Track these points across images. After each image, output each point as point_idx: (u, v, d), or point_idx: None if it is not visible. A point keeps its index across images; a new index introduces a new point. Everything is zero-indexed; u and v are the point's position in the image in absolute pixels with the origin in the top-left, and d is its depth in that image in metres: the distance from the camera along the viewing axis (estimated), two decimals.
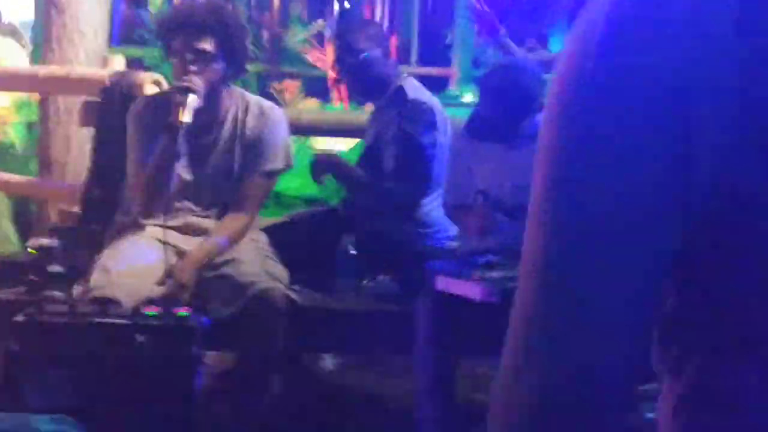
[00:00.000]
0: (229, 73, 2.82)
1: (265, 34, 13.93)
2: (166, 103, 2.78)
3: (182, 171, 2.84)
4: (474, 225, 2.82)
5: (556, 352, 0.64)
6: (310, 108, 7.92)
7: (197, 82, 2.67)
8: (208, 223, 2.89)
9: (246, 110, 2.88)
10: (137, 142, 2.87)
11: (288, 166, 2.96)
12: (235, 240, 2.82)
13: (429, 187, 3.06)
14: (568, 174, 0.65)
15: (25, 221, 4.88)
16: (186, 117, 2.62)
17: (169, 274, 2.70)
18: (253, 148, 2.86)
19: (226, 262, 2.76)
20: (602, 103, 0.62)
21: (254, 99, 2.94)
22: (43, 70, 4.14)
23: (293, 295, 2.67)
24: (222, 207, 2.90)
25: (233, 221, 2.85)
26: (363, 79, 3.13)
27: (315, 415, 3.03)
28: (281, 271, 2.77)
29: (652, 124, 0.61)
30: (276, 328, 2.60)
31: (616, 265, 0.63)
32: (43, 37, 4.34)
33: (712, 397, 0.66)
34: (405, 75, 3.20)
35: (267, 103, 2.97)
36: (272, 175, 2.94)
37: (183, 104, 2.62)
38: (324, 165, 3.14)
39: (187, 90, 2.65)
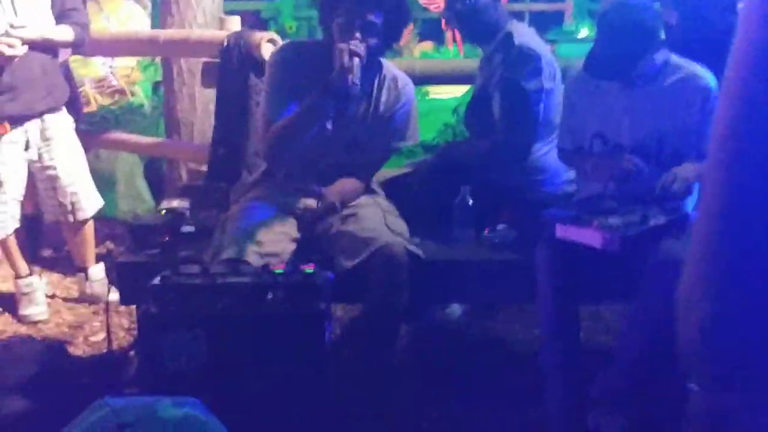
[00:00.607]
0: (384, 46, 2.85)
1: None
2: (315, 58, 2.82)
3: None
4: (593, 169, 2.76)
5: None
6: (425, 53, 7.88)
7: (363, 49, 2.71)
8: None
9: (382, 83, 2.90)
10: (278, 91, 2.86)
11: (414, 142, 3.02)
12: (353, 198, 2.89)
13: (538, 133, 3.03)
14: None
15: (157, 179, 5.10)
16: (357, 79, 2.67)
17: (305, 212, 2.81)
18: (385, 123, 2.89)
19: (348, 218, 2.82)
20: None
21: (390, 72, 2.94)
22: (163, 34, 4.26)
23: (414, 249, 2.71)
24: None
25: (350, 183, 2.92)
26: (472, 24, 3.14)
27: (443, 363, 3.09)
28: (401, 226, 2.81)
29: None
30: (398, 281, 2.64)
31: None
32: (161, 0, 4.46)
33: None
34: (514, 21, 3.16)
35: (402, 78, 2.97)
36: (397, 150, 3.01)
37: (351, 68, 2.66)
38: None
39: (356, 54, 2.68)
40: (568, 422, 2.52)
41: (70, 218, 3.67)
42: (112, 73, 6.07)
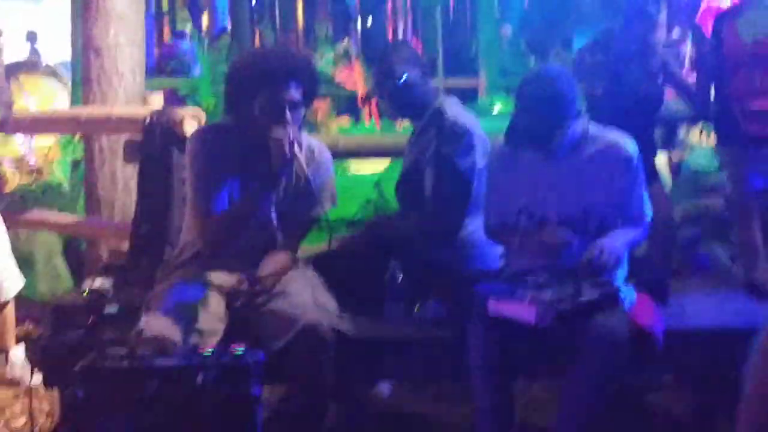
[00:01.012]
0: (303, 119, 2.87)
1: None
2: (235, 141, 2.81)
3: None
4: (521, 244, 2.81)
5: None
6: (342, 128, 7.99)
7: (298, 133, 2.75)
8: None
9: (299, 149, 2.83)
10: (205, 179, 2.82)
11: (333, 205, 3.02)
12: (282, 273, 2.85)
13: (470, 209, 3.07)
14: None
15: (77, 259, 4.97)
16: (299, 170, 2.72)
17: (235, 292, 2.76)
18: (306, 192, 2.86)
19: (276, 296, 2.79)
20: None
21: (306, 141, 2.95)
22: (84, 112, 4.23)
23: (341, 327, 2.69)
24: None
25: (281, 258, 2.89)
26: (403, 101, 3.16)
27: None
28: (329, 302, 2.80)
29: None
30: (324, 359, 2.62)
31: None
32: (83, 78, 4.42)
33: None
34: (444, 96, 3.22)
35: (318, 145, 2.99)
36: (319, 216, 2.99)
37: (295, 157, 2.70)
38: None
39: (298, 143, 2.72)
40: None
41: None
42: (30, 151, 5.95)
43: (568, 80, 2.72)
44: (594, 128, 2.83)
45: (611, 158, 2.76)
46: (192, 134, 3.11)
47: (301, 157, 2.76)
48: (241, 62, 2.98)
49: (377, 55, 3.39)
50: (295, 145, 2.70)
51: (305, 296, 2.76)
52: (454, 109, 3.15)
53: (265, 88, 2.74)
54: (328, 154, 3.02)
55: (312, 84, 2.83)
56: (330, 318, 2.70)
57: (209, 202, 2.81)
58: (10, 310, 3.66)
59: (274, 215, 2.87)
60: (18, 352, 3.72)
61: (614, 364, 2.50)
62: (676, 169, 5.58)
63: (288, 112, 2.73)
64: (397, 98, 3.16)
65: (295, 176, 2.86)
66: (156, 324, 2.61)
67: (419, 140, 3.19)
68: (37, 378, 2.89)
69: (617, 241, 2.66)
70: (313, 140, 3.03)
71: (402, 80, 3.10)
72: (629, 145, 2.78)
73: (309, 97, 2.84)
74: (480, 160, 3.05)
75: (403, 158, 3.36)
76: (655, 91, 3.95)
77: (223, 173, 2.81)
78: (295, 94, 2.76)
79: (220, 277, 2.83)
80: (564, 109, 2.69)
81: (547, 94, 2.67)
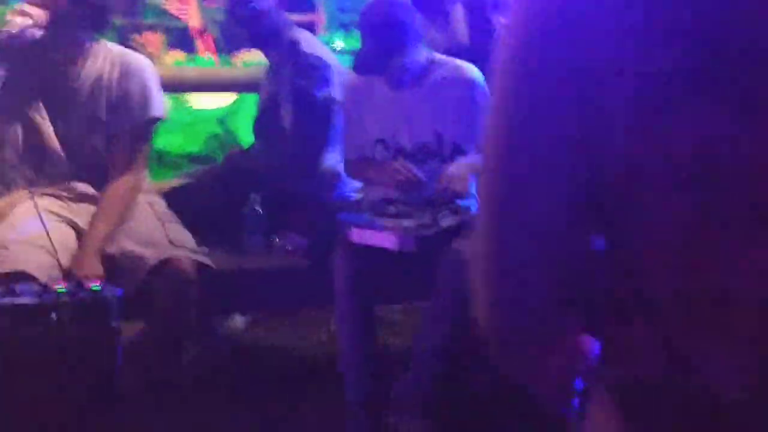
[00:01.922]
0: (86, 21, 2.67)
1: None
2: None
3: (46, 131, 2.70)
4: (379, 177, 2.84)
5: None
6: (178, 62, 7.69)
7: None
8: (89, 188, 2.75)
9: (111, 64, 2.72)
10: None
11: (162, 117, 2.83)
12: (126, 205, 2.69)
13: (329, 142, 3.07)
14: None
15: None
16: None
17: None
18: (122, 101, 2.70)
19: (125, 234, 2.66)
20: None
21: (118, 51, 2.79)
22: None
23: (203, 259, 2.62)
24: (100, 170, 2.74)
25: (119, 186, 2.69)
26: (256, 31, 3.12)
27: (236, 376, 3.04)
28: (184, 235, 2.70)
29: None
30: (186, 295, 2.54)
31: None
32: None
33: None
34: (296, 28, 3.18)
35: (132, 55, 2.83)
36: (148, 126, 2.79)
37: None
38: None
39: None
40: (369, 426, 2.55)
41: None
42: None
43: (406, 7, 2.80)
44: (439, 56, 2.89)
45: (456, 82, 2.85)
46: None
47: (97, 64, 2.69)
48: None
49: None
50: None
51: (156, 232, 2.65)
52: (309, 42, 3.15)
53: None
54: (144, 61, 2.84)
55: None
56: (188, 253, 2.61)
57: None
58: None
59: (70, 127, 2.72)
60: None
61: (468, 281, 2.58)
62: None
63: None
64: (251, 26, 3.12)
65: (103, 87, 2.71)
66: (3, 258, 2.44)
67: (276, 74, 3.17)
68: None
69: (463, 167, 2.74)
70: (131, 53, 2.85)
71: (255, 7, 3.04)
72: (473, 70, 2.86)
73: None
74: (337, 93, 3.05)
75: (260, 92, 3.30)
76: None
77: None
78: None
79: (55, 207, 2.68)
80: (403, 35, 2.77)
81: (386, 20, 2.75)
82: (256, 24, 3.10)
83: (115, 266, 2.59)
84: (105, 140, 2.73)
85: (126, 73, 2.72)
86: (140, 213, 2.72)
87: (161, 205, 2.83)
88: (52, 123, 2.71)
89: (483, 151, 0.84)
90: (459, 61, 2.90)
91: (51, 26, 2.63)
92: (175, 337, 2.63)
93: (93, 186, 2.74)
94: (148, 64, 2.84)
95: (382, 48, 2.75)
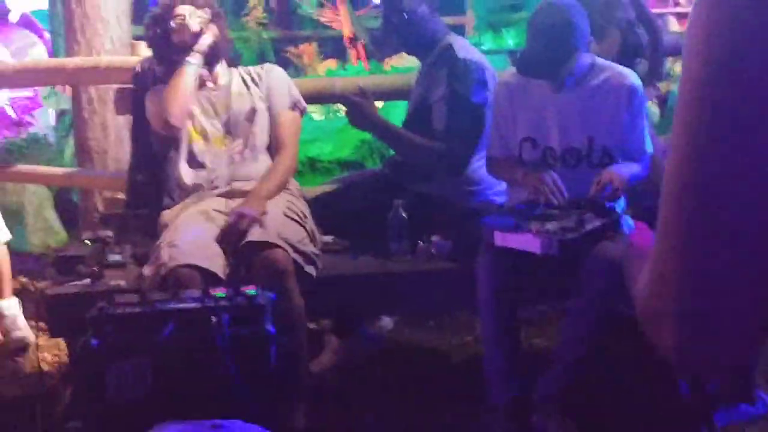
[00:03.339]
0: (221, 51, 3.09)
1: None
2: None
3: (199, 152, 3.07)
4: (523, 179, 2.82)
5: None
6: (330, 71, 7.91)
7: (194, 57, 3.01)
8: (249, 185, 2.96)
9: (250, 77, 3.15)
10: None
11: (304, 108, 3.21)
12: (287, 172, 3.03)
13: (479, 145, 3.07)
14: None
15: (68, 210, 4.95)
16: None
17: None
18: (267, 98, 3.11)
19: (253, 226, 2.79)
20: None
21: (252, 69, 3.20)
22: (71, 62, 4.15)
23: (299, 260, 2.70)
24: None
25: (283, 158, 3.05)
26: (410, 37, 3.17)
27: (383, 375, 3.11)
28: (296, 234, 2.78)
29: None
30: (286, 290, 2.61)
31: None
32: (66, 27, 4.34)
33: None
34: (452, 33, 3.21)
35: (266, 66, 3.24)
36: (295, 108, 3.14)
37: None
38: (363, 121, 3.12)
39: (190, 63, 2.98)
40: (511, 426, 2.56)
41: None
42: (9, 104, 5.84)
43: (578, 11, 2.74)
44: (600, 60, 2.84)
45: (616, 89, 2.79)
46: None
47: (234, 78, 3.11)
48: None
49: None
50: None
51: (271, 227, 2.74)
52: (464, 46, 3.15)
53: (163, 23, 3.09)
54: (277, 68, 3.23)
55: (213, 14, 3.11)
56: (290, 250, 2.69)
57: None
58: (4, 262, 3.59)
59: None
60: (9, 305, 3.63)
61: (615, 286, 2.53)
62: (662, 101, 5.57)
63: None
64: (405, 33, 3.16)
65: (246, 94, 3.11)
66: (175, 255, 2.62)
67: (428, 77, 3.18)
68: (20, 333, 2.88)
69: (625, 170, 2.70)
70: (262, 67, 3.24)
71: (410, 14, 3.08)
72: (633, 77, 2.81)
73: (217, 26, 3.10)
74: (491, 96, 3.04)
75: (410, 95, 3.35)
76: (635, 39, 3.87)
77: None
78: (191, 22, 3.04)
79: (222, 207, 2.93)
80: (574, 40, 2.73)
81: (558, 23, 2.70)
82: (411, 30, 3.14)
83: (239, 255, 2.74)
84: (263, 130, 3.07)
85: (265, 79, 3.14)
86: (271, 207, 2.85)
87: (295, 204, 2.95)
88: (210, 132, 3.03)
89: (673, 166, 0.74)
90: (621, 68, 2.84)
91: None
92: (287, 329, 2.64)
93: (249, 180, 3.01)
94: (279, 69, 3.25)
95: (552, 52, 2.72)
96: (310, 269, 2.75)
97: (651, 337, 0.76)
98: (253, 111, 3.07)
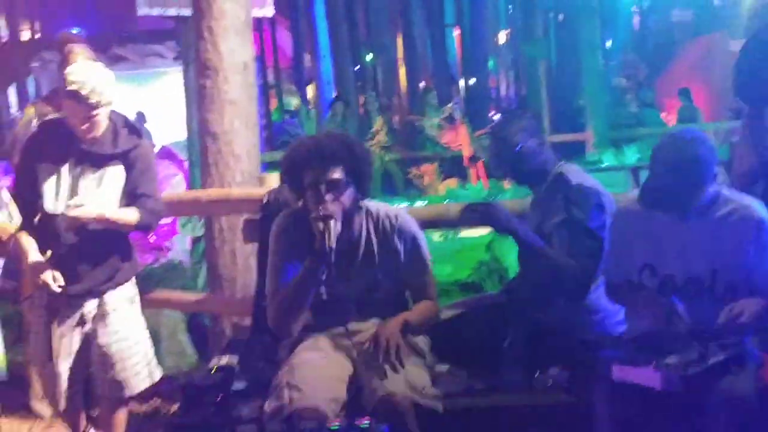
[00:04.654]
0: (358, 196, 2.99)
1: (396, 119, 14.26)
2: (304, 225, 2.95)
3: (323, 291, 3.01)
4: (644, 304, 2.77)
5: None
6: (450, 190, 8.06)
7: (333, 208, 2.86)
8: (368, 327, 3.02)
9: (371, 225, 3.05)
10: (279, 261, 3.03)
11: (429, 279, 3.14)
12: (430, 313, 3.05)
13: (597, 274, 3.04)
14: None
15: (199, 334, 5.13)
16: (332, 242, 2.82)
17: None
18: (390, 258, 3.03)
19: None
20: None
21: (383, 211, 3.08)
22: (205, 194, 4.42)
23: (428, 402, 2.73)
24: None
25: (424, 304, 3.05)
26: (521, 169, 3.20)
27: None
28: (418, 377, 2.83)
29: None
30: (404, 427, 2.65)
31: None
32: (201, 162, 4.63)
33: None
34: (563, 162, 3.22)
35: (394, 212, 3.11)
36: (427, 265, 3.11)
37: (327, 231, 2.82)
38: (481, 212, 3.10)
39: (327, 218, 2.84)
40: None
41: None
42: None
43: (707, 144, 2.71)
44: (726, 190, 2.81)
45: (743, 221, 2.72)
46: (276, 219, 3.22)
47: (362, 229, 3.00)
48: (290, 150, 3.11)
49: (495, 125, 3.44)
50: (330, 222, 2.83)
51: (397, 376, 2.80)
52: (576, 173, 3.16)
53: (308, 172, 2.91)
54: (407, 219, 3.09)
55: (357, 163, 2.95)
56: (413, 392, 2.74)
57: (275, 282, 3.01)
58: (122, 417, 3.58)
59: (350, 286, 3.01)
60: None
61: (743, 425, 2.42)
62: None
63: (327, 192, 2.87)
64: (515, 166, 3.20)
65: (364, 246, 3.02)
66: (297, 396, 2.71)
67: (542, 206, 3.19)
68: None
69: (756, 304, 2.61)
70: (392, 209, 3.14)
71: (518, 149, 3.13)
72: (761, 209, 2.74)
73: (358, 176, 2.96)
74: (609, 220, 3.03)
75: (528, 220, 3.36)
76: None
77: (289, 254, 3.00)
78: (335, 174, 2.88)
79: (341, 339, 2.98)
80: (703, 173, 2.69)
81: (687, 157, 2.67)
82: (521, 164, 3.17)
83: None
84: (377, 292, 3.04)
85: (390, 232, 3.05)
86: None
87: (421, 341, 3.01)
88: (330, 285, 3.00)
89: None
90: (747, 199, 2.79)
91: None
92: None
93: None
94: (410, 222, 3.10)
95: (679, 187, 2.69)
96: (434, 405, 2.78)
97: None
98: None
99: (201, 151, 4.62)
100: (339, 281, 2.96)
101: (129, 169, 3.37)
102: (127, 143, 3.38)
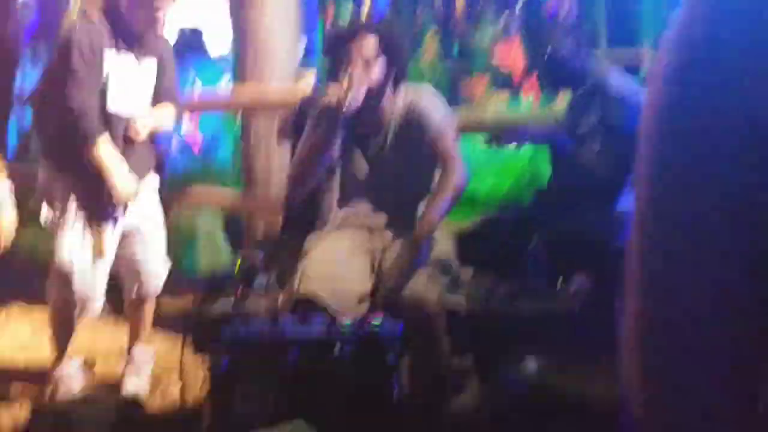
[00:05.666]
0: (392, 74, 2.89)
1: (453, 33, 13.96)
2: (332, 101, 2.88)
3: (356, 171, 2.96)
4: None
5: None
6: (500, 103, 7.87)
7: (359, 72, 2.79)
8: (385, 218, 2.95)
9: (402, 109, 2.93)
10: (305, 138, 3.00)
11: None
12: (457, 194, 2.83)
13: (628, 183, 2.96)
14: None
15: (237, 233, 5.17)
16: (349, 105, 2.74)
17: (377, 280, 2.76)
18: (422, 126, 2.89)
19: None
20: None
21: (410, 95, 2.96)
22: (242, 91, 4.37)
23: (452, 304, 2.66)
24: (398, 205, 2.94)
25: (447, 176, 2.83)
26: (556, 74, 3.21)
27: (519, 420, 3.00)
28: (436, 278, 2.74)
29: None
30: (433, 336, 2.60)
31: None
32: (239, 59, 4.56)
33: None
34: (607, 66, 3.16)
35: (418, 96, 2.97)
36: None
37: (350, 92, 2.75)
38: None
39: (350, 83, 2.78)
40: None
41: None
42: (194, 128, 6.23)
43: None
44: None
45: None
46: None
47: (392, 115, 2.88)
48: (328, 32, 3.14)
49: (535, 31, 3.42)
50: (355, 90, 2.74)
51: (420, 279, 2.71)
52: (617, 78, 3.11)
53: (341, 48, 2.85)
54: (429, 91, 2.99)
55: (390, 37, 2.88)
56: (437, 294, 2.66)
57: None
58: (150, 308, 3.65)
59: (376, 169, 2.93)
60: (142, 350, 3.66)
61: None
62: None
63: (357, 66, 2.79)
64: (550, 71, 3.23)
65: (393, 130, 2.91)
66: (306, 284, 2.67)
67: (578, 112, 3.14)
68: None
69: None
70: (418, 87, 3.02)
71: (550, 54, 3.09)
72: None
73: (390, 50, 2.86)
74: None
75: (561, 124, 3.30)
76: None
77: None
78: (366, 44, 2.82)
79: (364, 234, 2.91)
80: None
81: None
82: (556, 69, 3.17)
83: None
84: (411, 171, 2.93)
85: (419, 106, 2.92)
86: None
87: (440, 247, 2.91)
88: (360, 165, 2.97)
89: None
90: None
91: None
92: (430, 374, 2.66)
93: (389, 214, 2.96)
94: (432, 101, 2.98)
95: None
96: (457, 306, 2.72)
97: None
98: None
99: (240, 48, 4.55)
100: (360, 163, 2.93)
101: (160, 62, 3.42)
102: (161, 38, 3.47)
